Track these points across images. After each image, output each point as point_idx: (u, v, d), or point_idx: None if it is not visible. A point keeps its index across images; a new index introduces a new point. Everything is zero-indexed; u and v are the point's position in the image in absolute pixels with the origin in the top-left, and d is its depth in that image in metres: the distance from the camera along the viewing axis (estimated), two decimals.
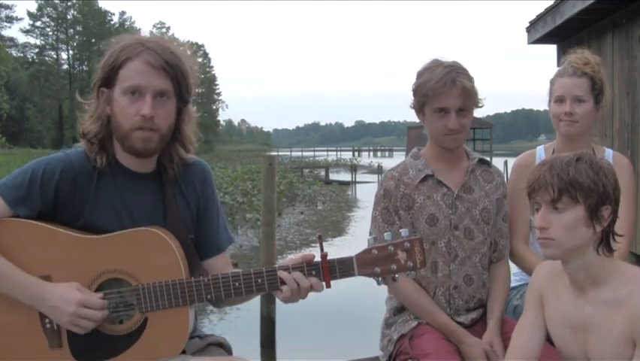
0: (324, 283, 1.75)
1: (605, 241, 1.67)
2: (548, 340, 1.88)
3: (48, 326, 1.72)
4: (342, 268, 1.74)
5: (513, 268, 2.59)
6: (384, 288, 2.10)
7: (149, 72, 1.72)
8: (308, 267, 1.74)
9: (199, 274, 1.78)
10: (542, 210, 1.66)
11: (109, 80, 1.76)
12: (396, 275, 1.75)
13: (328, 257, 1.74)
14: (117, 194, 1.80)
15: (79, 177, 1.76)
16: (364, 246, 2.32)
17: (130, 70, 1.73)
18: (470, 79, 2.20)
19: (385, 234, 1.75)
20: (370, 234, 2.31)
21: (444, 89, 2.15)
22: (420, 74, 2.24)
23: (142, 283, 1.72)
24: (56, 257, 1.72)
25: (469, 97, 2.20)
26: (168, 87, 1.76)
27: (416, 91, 2.24)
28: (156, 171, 1.87)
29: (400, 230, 1.76)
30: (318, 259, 1.75)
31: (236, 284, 1.73)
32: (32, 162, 1.78)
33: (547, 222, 1.65)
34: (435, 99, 2.18)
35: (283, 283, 1.73)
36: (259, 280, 1.73)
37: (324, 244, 1.76)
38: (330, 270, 1.74)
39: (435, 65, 2.22)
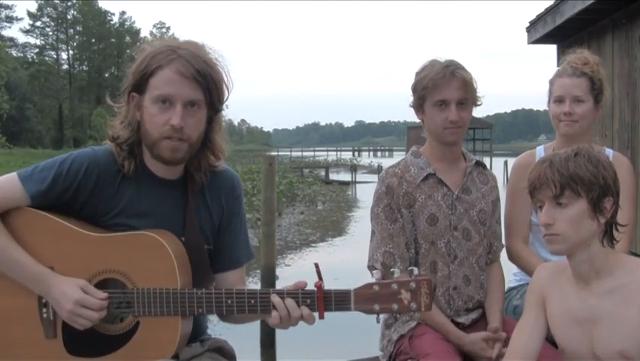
0: (316, 314, 1.69)
1: (608, 232, 1.69)
2: (548, 340, 1.89)
3: (45, 315, 1.75)
4: (337, 301, 1.67)
5: (513, 268, 2.59)
6: None
7: (179, 81, 1.70)
8: (303, 295, 1.69)
9: (206, 286, 1.77)
10: (546, 207, 1.68)
11: (139, 87, 1.74)
12: (397, 315, 1.69)
13: (325, 287, 1.68)
14: (139, 197, 1.80)
15: (103, 174, 1.77)
16: (364, 246, 2.33)
17: (161, 78, 1.71)
18: (469, 73, 2.23)
19: (393, 270, 1.67)
20: (372, 231, 2.32)
21: (444, 80, 2.18)
22: (419, 72, 2.27)
23: (137, 286, 1.72)
24: (60, 250, 1.74)
25: (469, 90, 2.22)
26: (199, 97, 1.73)
27: (416, 87, 2.26)
28: (182, 178, 1.86)
29: (411, 268, 1.69)
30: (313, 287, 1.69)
31: (229, 302, 1.70)
32: (60, 156, 1.80)
33: (551, 218, 1.66)
34: (435, 91, 2.19)
35: (275, 308, 1.69)
36: (252, 301, 1.70)
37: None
38: (325, 301, 1.67)
39: (433, 62, 2.25)
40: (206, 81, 1.73)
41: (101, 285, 1.74)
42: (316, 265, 1.68)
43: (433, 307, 2.19)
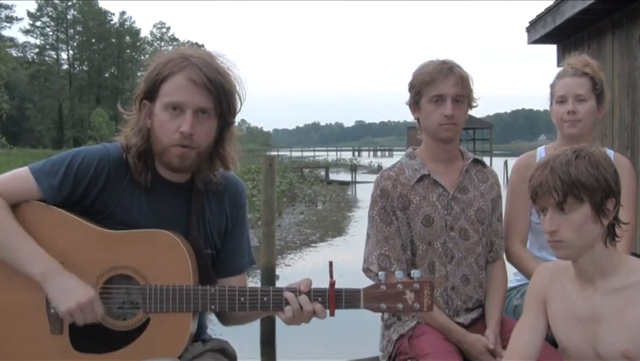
0: (328, 311, 1.73)
1: (611, 232, 1.69)
2: (548, 340, 1.88)
3: (52, 311, 1.74)
4: (348, 299, 1.73)
5: (513, 267, 2.59)
6: None
7: (190, 88, 1.71)
8: (315, 293, 1.73)
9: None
10: (549, 214, 1.67)
11: (151, 94, 1.75)
12: (401, 315, 1.72)
13: (336, 285, 1.73)
14: (146, 198, 1.81)
15: (113, 173, 1.78)
16: (364, 245, 2.33)
17: (172, 85, 1.72)
18: (466, 72, 2.25)
19: (397, 272, 1.74)
20: (368, 234, 2.32)
21: (440, 75, 2.20)
22: (416, 70, 2.29)
23: (150, 283, 1.73)
24: (72, 245, 1.74)
25: (465, 87, 2.23)
26: (209, 105, 1.75)
27: (413, 82, 2.28)
28: (190, 182, 1.87)
29: (412, 271, 1.75)
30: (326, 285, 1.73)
31: (242, 299, 1.73)
32: (72, 151, 1.81)
33: (555, 225, 1.66)
34: (432, 86, 2.21)
35: (287, 304, 1.72)
36: (264, 298, 1.73)
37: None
38: (337, 299, 1.72)
39: (431, 61, 2.28)
40: (217, 90, 1.74)
41: (111, 281, 1.75)
42: (330, 263, 1.75)
43: (433, 307, 2.20)
